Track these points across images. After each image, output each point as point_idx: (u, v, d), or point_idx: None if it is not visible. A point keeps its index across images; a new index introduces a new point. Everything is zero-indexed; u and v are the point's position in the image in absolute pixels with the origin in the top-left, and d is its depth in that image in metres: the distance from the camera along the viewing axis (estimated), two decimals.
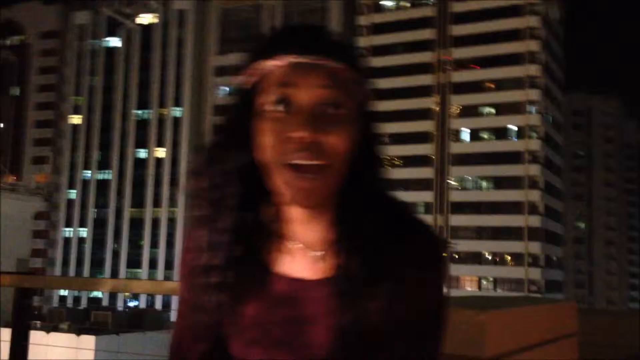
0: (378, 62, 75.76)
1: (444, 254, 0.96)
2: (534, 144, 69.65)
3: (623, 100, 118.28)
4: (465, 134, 72.59)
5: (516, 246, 67.86)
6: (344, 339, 0.88)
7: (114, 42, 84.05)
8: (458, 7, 72.66)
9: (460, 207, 70.44)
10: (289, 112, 0.88)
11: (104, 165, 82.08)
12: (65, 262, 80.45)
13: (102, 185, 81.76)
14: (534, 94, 70.04)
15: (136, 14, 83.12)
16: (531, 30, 70.19)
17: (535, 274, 66.74)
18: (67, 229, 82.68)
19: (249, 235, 0.95)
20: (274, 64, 0.90)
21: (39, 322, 30.10)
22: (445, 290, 0.96)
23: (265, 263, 0.96)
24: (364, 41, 75.82)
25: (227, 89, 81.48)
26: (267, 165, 0.90)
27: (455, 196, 71.31)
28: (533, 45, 70.17)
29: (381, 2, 76.86)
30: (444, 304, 0.95)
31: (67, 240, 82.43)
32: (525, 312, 2.09)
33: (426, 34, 73.66)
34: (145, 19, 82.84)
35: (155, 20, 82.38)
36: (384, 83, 74.41)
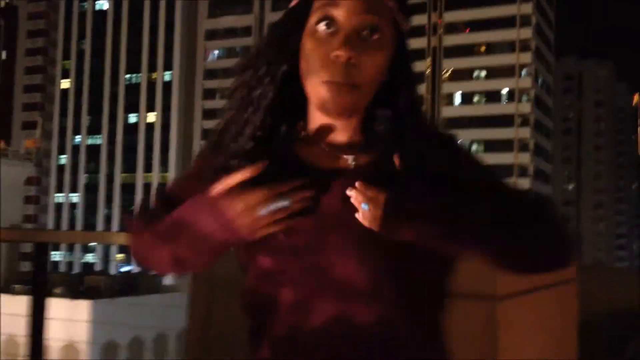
0: None
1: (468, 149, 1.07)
2: (525, 107, 69.84)
3: (614, 64, 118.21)
4: (457, 97, 72.64)
5: None
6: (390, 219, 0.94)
7: (103, 4, 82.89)
8: None
9: None
10: (330, 31, 0.97)
11: (94, 130, 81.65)
12: (57, 228, 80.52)
13: (93, 150, 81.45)
14: (525, 57, 69.96)
15: None
16: None
17: None
18: (58, 195, 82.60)
19: (278, 136, 1.03)
20: None
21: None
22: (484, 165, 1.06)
23: (294, 157, 1.04)
24: None
25: (217, 52, 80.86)
26: (305, 79, 1.00)
27: None
28: (525, 8, 69.84)
29: None
30: (492, 173, 1.06)
31: (58, 206, 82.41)
32: None
33: None
34: None
35: None
36: None
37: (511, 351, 1.86)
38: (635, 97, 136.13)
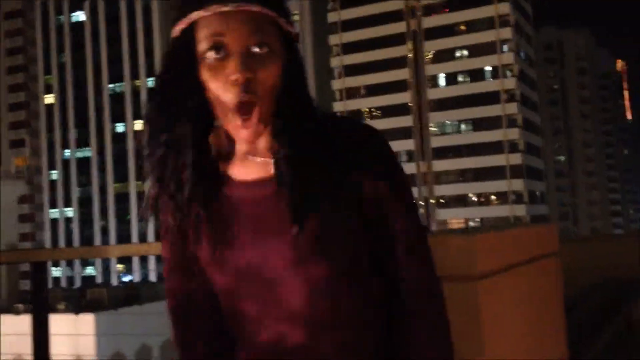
0: (349, 14, 75.12)
1: (377, 135, 1.11)
2: (510, 83, 70.01)
3: (593, 31, 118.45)
4: (442, 79, 72.71)
5: (500, 185, 68.80)
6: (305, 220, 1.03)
7: (79, 16, 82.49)
8: None
9: (442, 152, 70.99)
10: (223, 57, 1.01)
11: (82, 142, 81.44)
12: (55, 244, 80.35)
13: (83, 163, 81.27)
14: (505, 33, 70.07)
15: None
16: None
17: (520, 210, 67.85)
18: (52, 211, 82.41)
19: (205, 164, 1.08)
20: (200, 14, 1.02)
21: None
22: (399, 164, 1.12)
23: (222, 176, 1.10)
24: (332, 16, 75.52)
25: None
26: (216, 105, 1.03)
27: (436, 142, 71.79)
28: None
29: None
30: (403, 177, 1.11)
31: (54, 222, 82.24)
32: (509, 234, 2.32)
33: None
34: None
35: None
36: (356, 35, 73.90)
37: (494, 326, 1.94)
38: (618, 62, 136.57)
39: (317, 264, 1.05)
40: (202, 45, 1.02)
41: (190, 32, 1.03)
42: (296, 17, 77.43)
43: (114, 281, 65.09)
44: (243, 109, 1.00)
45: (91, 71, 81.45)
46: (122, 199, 78.62)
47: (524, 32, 75.13)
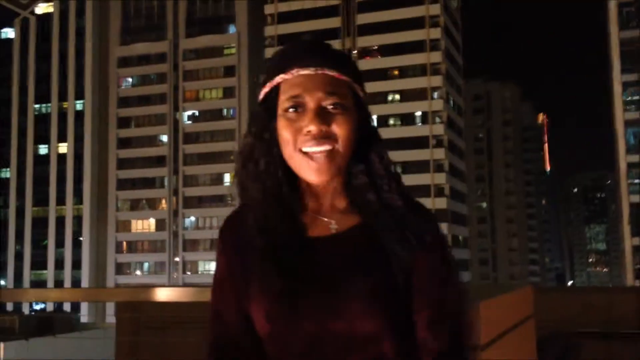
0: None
1: (437, 222, 1.18)
2: (438, 129, 71.85)
3: (519, 85, 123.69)
4: (373, 121, 73.93)
5: None
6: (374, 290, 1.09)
7: (8, 32, 79.90)
8: None
9: None
10: (300, 113, 1.12)
11: (2, 163, 78.11)
12: None
13: (1, 184, 77.86)
14: (436, 80, 72.16)
15: (31, 4, 79.28)
16: (432, 18, 72.20)
17: None
18: None
19: (288, 215, 1.15)
20: (283, 77, 1.15)
21: None
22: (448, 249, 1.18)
23: (297, 231, 1.15)
24: (270, 30, 75.65)
25: (131, 79, 79.28)
26: (287, 155, 1.14)
27: None
28: (434, 33, 72.22)
29: None
30: (451, 260, 1.17)
31: None
32: (501, 301, 2.28)
33: (332, 22, 74.30)
34: (40, 8, 79.20)
35: (51, 10, 78.91)
36: None
37: None
38: (540, 116, 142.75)
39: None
40: (284, 104, 1.13)
41: (274, 96, 1.16)
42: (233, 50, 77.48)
43: (26, 309, 62.08)
44: (313, 156, 1.11)
45: (17, 89, 78.69)
46: (40, 223, 75.53)
47: (454, 81, 77.59)
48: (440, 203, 69.70)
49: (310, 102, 1.12)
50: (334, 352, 1.08)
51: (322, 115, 1.11)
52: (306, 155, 1.11)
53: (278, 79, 1.15)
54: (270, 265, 1.12)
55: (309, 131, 1.10)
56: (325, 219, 1.15)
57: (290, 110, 1.13)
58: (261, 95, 1.18)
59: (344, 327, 1.08)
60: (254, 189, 1.17)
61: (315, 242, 1.14)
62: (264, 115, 1.17)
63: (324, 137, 1.10)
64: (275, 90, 1.15)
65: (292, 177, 1.17)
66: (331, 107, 1.12)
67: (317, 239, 1.14)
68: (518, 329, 2.38)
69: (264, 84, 1.18)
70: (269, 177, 1.16)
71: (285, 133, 1.12)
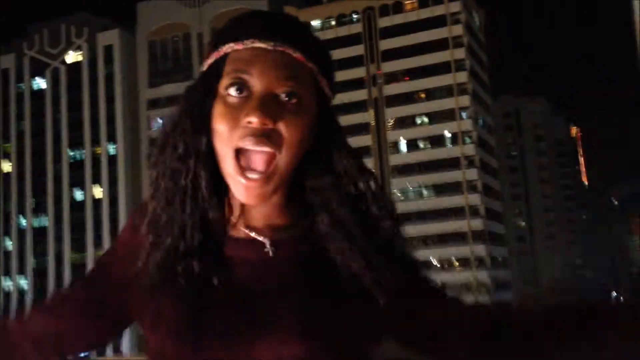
0: None
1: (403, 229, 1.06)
2: (469, 149, 71.17)
3: (549, 99, 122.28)
4: (403, 145, 73.64)
5: (462, 250, 68.89)
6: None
7: (40, 84, 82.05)
8: (384, 22, 74.07)
9: (405, 217, 70.69)
10: (242, 96, 0.87)
11: (40, 210, 79.56)
12: (5, 315, 77.15)
13: (40, 232, 79.17)
14: (464, 100, 71.73)
15: (61, 54, 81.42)
16: (455, 39, 72.08)
17: (482, 275, 67.83)
18: (6, 282, 79.59)
19: (205, 224, 0.92)
20: (233, 47, 0.89)
21: None
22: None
23: (219, 249, 0.93)
24: None
25: (161, 120, 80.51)
26: (219, 154, 0.89)
27: (399, 207, 71.66)
28: (458, 53, 72.03)
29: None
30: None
31: (7, 294, 79.31)
32: None
33: (355, 50, 74.65)
34: (70, 57, 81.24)
35: (81, 58, 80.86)
36: None
37: None
38: (573, 129, 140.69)
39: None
40: (224, 80, 0.89)
41: (219, 67, 0.90)
42: None
43: None
44: (253, 160, 0.86)
45: (51, 138, 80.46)
46: (79, 269, 76.42)
47: (481, 100, 77.04)
48: (476, 224, 68.68)
49: (258, 85, 0.86)
50: None
51: (270, 106, 0.85)
52: (239, 163, 0.87)
53: (226, 47, 0.89)
54: (166, 293, 0.90)
55: (249, 122, 0.85)
56: (260, 238, 0.92)
57: (232, 91, 0.87)
58: (204, 67, 0.92)
59: None
60: (163, 187, 0.93)
61: (238, 267, 0.91)
62: (201, 91, 0.91)
63: (266, 135, 0.85)
64: (222, 62, 0.90)
65: (221, 178, 0.91)
66: (284, 95, 0.87)
67: (243, 262, 0.91)
68: None
69: (207, 54, 0.92)
70: (187, 173, 0.91)
71: (219, 124, 0.87)
